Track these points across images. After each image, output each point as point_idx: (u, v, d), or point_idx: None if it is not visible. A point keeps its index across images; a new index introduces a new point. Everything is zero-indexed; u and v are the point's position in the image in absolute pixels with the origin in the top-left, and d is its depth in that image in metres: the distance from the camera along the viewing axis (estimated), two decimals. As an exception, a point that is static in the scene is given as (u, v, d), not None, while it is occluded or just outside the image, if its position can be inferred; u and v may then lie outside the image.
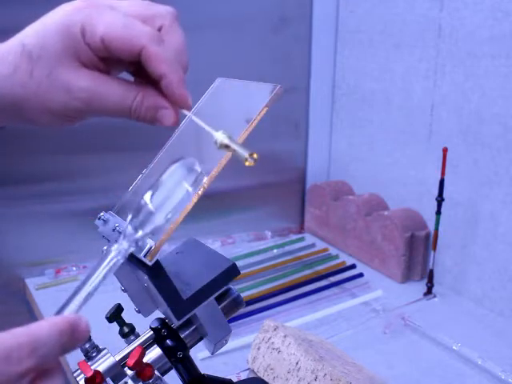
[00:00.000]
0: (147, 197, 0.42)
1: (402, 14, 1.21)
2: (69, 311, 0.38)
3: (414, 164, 1.23)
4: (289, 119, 1.42)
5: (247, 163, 0.42)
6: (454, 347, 0.96)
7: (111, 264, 0.42)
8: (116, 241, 0.44)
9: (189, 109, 0.48)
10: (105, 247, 0.56)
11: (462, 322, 1.07)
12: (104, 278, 0.42)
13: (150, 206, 0.41)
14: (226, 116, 0.57)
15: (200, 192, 0.49)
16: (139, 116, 0.48)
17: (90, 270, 0.42)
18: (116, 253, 0.42)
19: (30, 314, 1.18)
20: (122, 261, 0.42)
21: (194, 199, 0.48)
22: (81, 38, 0.45)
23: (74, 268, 1.21)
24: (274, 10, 1.33)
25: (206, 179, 0.49)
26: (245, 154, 0.42)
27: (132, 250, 0.43)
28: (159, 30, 0.47)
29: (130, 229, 0.42)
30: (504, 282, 1.06)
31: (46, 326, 0.34)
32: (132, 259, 0.54)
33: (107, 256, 0.42)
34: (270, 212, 1.45)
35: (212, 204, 1.30)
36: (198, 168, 0.42)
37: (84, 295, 0.40)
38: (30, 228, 1.19)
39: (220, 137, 0.44)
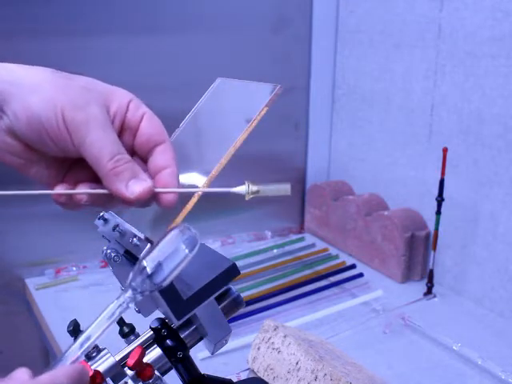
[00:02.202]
0: (147, 260, 0.44)
1: (402, 14, 1.21)
2: (73, 358, 0.44)
3: (414, 164, 1.23)
4: (289, 119, 1.42)
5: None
6: (454, 347, 0.96)
7: (111, 320, 0.45)
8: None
9: (170, 205, 0.49)
10: (104, 247, 0.56)
11: (462, 322, 1.07)
12: (104, 331, 0.45)
13: (148, 270, 0.44)
14: (226, 116, 0.57)
15: (200, 192, 0.49)
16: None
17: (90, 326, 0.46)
18: (115, 307, 0.45)
19: (29, 313, 1.18)
20: (120, 315, 0.45)
21: (194, 199, 0.48)
22: (127, 100, 0.50)
23: (74, 268, 1.21)
24: (274, 10, 1.33)
25: (206, 179, 0.49)
26: (281, 188, 0.47)
27: (131, 305, 0.46)
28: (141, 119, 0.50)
29: (129, 293, 0.45)
30: (504, 282, 1.06)
31: (62, 375, 0.40)
32: (132, 259, 0.54)
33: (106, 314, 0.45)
34: (269, 212, 1.45)
35: (212, 204, 1.30)
36: (193, 230, 0.45)
37: (85, 347, 0.45)
38: (30, 228, 1.19)
39: (246, 189, 0.48)
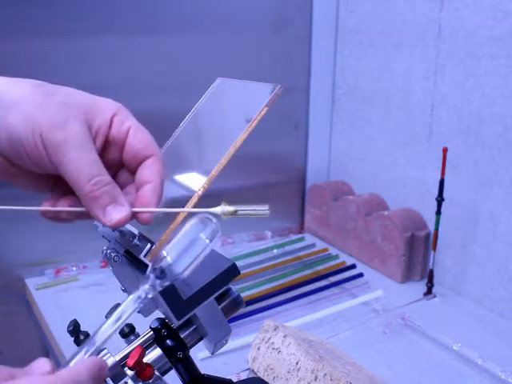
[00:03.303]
0: (167, 250, 0.43)
1: (402, 14, 1.21)
2: (91, 351, 0.42)
3: (414, 164, 1.23)
4: (289, 119, 1.42)
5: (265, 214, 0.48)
6: (454, 347, 0.96)
7: (130, 312, 0.44)
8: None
9: (147, 223, 0.49)
10: (104, 247, 0.56)
11: (462, 321, 1.07)
12: (123, 322, 0.43)
13: (169, 259, 0.43)
14: (226, 116, 0.57)
15: (200, 192, 0.49)
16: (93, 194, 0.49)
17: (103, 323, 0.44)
18: (136, 297, 0.44)
19: (29, 313, 1.18)
20: (141, 306, 0.44)
21: (194, 199, 0.49)
22: (111, 114, 0.49)
23: (74, 268, 1.21)
24: (273, 10, 1.33)
25: (206, 179, 0.49)
26: (259, 210, 0.48)
27: (151, 295, 0.44)
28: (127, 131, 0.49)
29: (152, 278, 0.44)
30: (504, 281, 1.06)
31: (82, 368, 0.39)
32: (132, 259, 0.54)
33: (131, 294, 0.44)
34: (269, 212, 1.44)
35: (212, 204, 1.30)
36: (214, 220, 0.44)
37: (104, 338, 0.42)
38: (30, 228, 1.19)
39: (222, 209, 0.47)
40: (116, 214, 0.46)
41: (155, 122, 0.55)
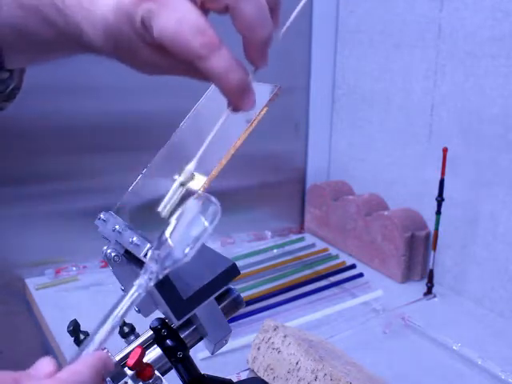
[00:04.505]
0: (167, 232, 0.42)
1: (402, 14, 1.21)
2: (95, 345, 0.41)
3: (414, 164, 1.23)
4: (289, 119, 1.42)
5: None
6: (454, 347, 0.96)
7: (133, 298, 0.43)
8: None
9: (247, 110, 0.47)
10: (104, 247, 0.56)
11: (462, 321, 1.07)
12: (126, 311, 0.43)
13: (170, 242, 0.42)
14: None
15: (200, 192, 0.49)
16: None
17: (112, 305, 0.43)
18: (137, 287, 0.43)
19: (29, 313, 1.18)
20: (143, 294, 0.43)
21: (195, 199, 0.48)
22: (141, 29, 0.43)
23: (74, 268, 1.21)
24: (273, 10, 1.33)
25: (206, 179, 0.49)
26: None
27: (152, 283, 0.44)
28: (226, 8, 0.46)
29: (150, 263, 0.43)
30: (504, 281, 1.06)
31: (84, 367, 0.38)
32: (132, 259, 0.54)
33: (129, 291, 0.43)
34: (270, 212, 1.45)
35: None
36: (214, 200, 0.43)
37: (107, 328, 0.42)
38: (30, 228, 1.19)
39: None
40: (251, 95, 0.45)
41: (155, 121, 0.55)
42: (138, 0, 0.42)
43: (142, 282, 0.43)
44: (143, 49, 0.44)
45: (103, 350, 0.51)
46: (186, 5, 0.43)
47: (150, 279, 0.43)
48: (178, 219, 0.43)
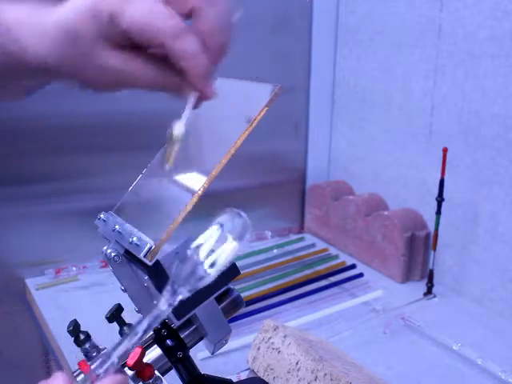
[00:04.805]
0: (193, 249, 0.42)
1: (401, 14, 1.21)
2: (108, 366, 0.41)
3: (414, 164, 1.23)
4: (289, 119, 1.42)
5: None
6: (454, 347, 0.96)
7: (154, 317, 0.43)
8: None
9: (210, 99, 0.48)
10: (104, 247, 0.56)
11: (462, 321, 1.07)
12: (139, 339, 0.42)
13: (195, 259, 0.41)
14: (226, 116, 0.57)
15: (200, 192, 0.49)
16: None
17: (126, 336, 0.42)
18: (151, 319, 0.43)
19: (29, 313, 1.18)
20: (158, 326, 0.43)
21: (194, 199, 0.49)
22: (109, 24, 0.45)
23: (74, 268, 1.21)
24: (274, 10, 1.33)
25: (206, 179, 0.49)
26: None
27: (167, 314, 0.43)
28: (190, 12, 0.47)
29: (166, 295, 0.42)
30: (504, 282, 1.06)
31: None
32: (132, 259, 0.54)
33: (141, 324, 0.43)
34: (270, 212, 1.45)
35: (212, 204, 1.30)
36: (243, 215, 0.43)
37: (120, 353, 0.42)
38: (30, 228, 1.19)
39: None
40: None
41: (155, 121, 0.55)
42: None
43: (163, 308, 0.42)
44: (102, 51, 0.46)
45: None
46: None
47: (170, 304, 0.42)
48: (205, 238, 0.42)
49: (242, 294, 0.61)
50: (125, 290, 0.58)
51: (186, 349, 0.58)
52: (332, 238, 1.39)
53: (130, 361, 0.52)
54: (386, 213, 1.22)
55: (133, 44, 0.46)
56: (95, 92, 0.50)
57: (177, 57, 0.45)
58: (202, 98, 0.47)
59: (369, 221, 1.26)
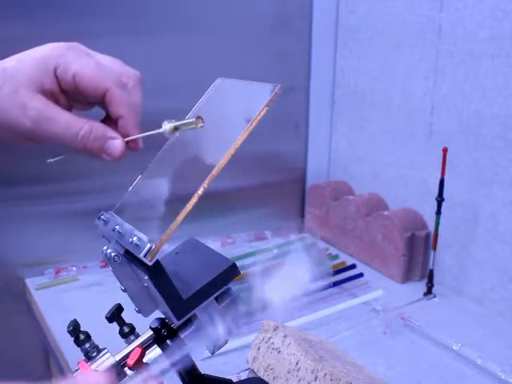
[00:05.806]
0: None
1: (401, 14, 1.21)
2: None
3: (414, 164, 1.23)
4: (289, 119, 1.42)
5: (199, 126, 0.51)
6: (454, 347, 0.96)
7: None
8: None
9: (137, 149, 0.56)
10: (104, 247, 0.56)
11: (462, 321, 1.07)
12: None
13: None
14: (225, 116, 0.57)
15: (200, 192, 0.49)
16: (86, 145, 0.54)
17: None
18: None
19: (29, 313, 1.18)
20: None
21: (194, 199, 0.48)
22: (52, 70, 0.51)
23: (74, 268, 1.21)
24: (274, 10, 1.33)
25: (206, 179, 0.49)
26: (192, 120, 0.50)
27: None
28: (103, 94, 0.53)
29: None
30: (504, 281, 1.06)
31: None
32: (132, 259, 0.54)
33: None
34: (269, 212, 1.44)
35: (212, 204, 1.30)
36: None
37: None
38: (30, 228, 1.19)
39: (166, 126, 0.51)
40: (113, 149, 0.53)
41: (155, 122, 0.55)
42: (55, 47, 0.53)
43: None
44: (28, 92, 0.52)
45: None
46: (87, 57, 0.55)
47: None
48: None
49: (242, 294, 0.61)
50: (125, 290, 0.58)
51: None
52: (332, 238, 1.39)
53: (130, 361, 0.52)
54: (386, 213, 1.22)
55: (61, 98, 0.53)
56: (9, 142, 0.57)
57: (119, 102, 0.52)
58: (132, 147, 0.54)
59: (369, 221, 1.26)
